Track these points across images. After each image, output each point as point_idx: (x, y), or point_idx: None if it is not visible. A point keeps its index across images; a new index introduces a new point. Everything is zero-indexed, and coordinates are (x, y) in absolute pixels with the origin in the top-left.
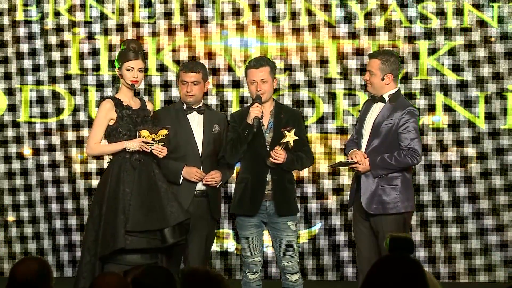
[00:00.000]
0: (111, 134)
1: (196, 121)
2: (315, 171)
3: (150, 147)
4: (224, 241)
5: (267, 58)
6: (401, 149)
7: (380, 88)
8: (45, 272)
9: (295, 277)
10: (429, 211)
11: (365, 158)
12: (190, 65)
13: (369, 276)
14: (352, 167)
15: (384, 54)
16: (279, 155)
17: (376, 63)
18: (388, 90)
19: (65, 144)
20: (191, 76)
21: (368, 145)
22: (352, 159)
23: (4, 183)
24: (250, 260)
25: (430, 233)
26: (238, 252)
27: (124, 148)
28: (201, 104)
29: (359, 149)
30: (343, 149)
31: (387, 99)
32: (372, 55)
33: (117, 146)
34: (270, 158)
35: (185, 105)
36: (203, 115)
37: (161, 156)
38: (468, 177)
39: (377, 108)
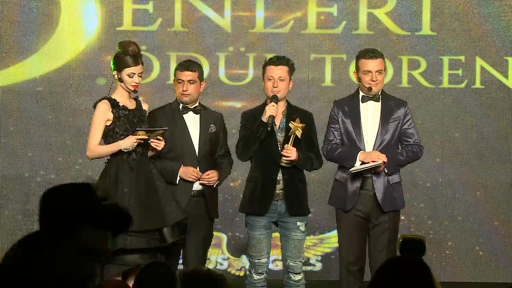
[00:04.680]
0: (108, 135)
1: (192, 121)
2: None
3: (148, 140)
4: (214, 252)
5: (288, 58)
6: (410, 144)
7: (381, 87)
8: None
9: (298, 277)
10: (429, 211)
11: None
12: (186, 64)
13: (377, 276)
14: (375, 169)
15: (381, 53)
16: (290, 151)
17: (383, 62)
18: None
19: (65, 143)
20: (187, 75)
21: (378, 143)
22: (375, 161)
23: (3, 183)
24: (256, 261)
25: (430, 233)
26: (233, 270)
27: (121, 148)
28: (197, 104)
29: (362, 149)
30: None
31: (380, 96)
32: (379, 55)
33: (113, 148)
34: (283, 158)
35: (181, 104)
36: (199, 114)
37: (159, 149)
38: (468, 177)
39: (370, 107)
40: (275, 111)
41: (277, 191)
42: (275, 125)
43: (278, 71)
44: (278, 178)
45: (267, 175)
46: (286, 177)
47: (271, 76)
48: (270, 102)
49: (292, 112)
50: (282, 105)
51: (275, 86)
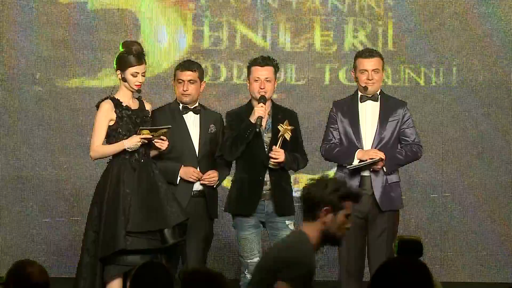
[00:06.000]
0: (110, 135)
1: (192, 121)
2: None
3: (151, 141)
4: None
5: (272, 58)
6: (409, 144)
7: (379, 86)
8: (47, 279)
9: None
10: (429, 211)
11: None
12: (187, 64)
13: (376, 277)
14: (373, 167)
15: (379, 52)
16: (278, 153)
17: (380, 61)
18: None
19: (65, 143)
20: (188, 75)
21: (376, 143)
22: (373, 158)
23: (3, 183)
24: (248, 261)
25: (430, 233)
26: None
27: (125, 148)
28: (196, 104)
29: (360, 148)
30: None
31: (378, 96)
32: (375, 54)
33: (117, 147)
34: (271, 160)
35: (181, 105)
36: (199, 115)
37: (163, 148)
38: (468, 177)
39: (369, 107)
40: (263, 112)
41: (264, 192)
42: (262, 125)
43: (264, 72)
44: (265, 179)
45: (254, 176)
46: (274, 179)
47: (257, 78)
48: (259, 103)
49: (277, 112)
50: (267, 105)
51: (262, 87)
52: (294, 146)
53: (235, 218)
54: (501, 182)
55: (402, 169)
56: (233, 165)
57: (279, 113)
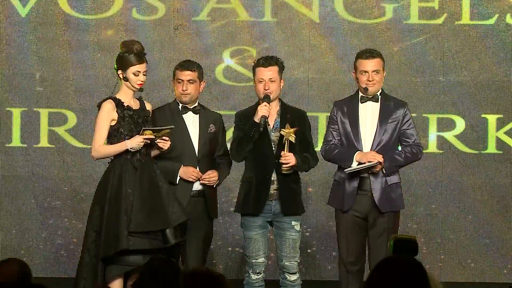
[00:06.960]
0: (112, 135)
1: (191, 121)
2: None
3: (154, 141)
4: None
5: (276, 57)
6: (409, 145)
7: (380, 87)
8: (26, 274)
9: (293, 277)
10: (429, 211)
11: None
12: (186, 64)
13: (372, 276)
14: (372, 169)
15: (379, 53)
16: (288, 158)
17: (381, 62)
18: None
19: (65, 143)
20: (187, 75)
21: (375, 144)
22: (370, 161)
23: (3, 183)
24: (253, 261)
25: (430, 233)
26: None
27: (127, 148)
28: (196, 104)
29: (360, 149)
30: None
31: (379, 97)
32: (376, 55)
33: (119, 147)
34: (283, 166)
35: (180, 105)
36: (198, 115)
37: (165, 148)
38: (468, 177)
39: (369, 107)
40: (267, 111)
41: (271, 191)
42: (269, 125)
43: (268, 73)
44: (272, 178)
45: (261, 175)
46: (280, 177)
47: (262, 78)
48: (262, 102)
49: (286, 112)
50: (275, 105)
51: (266, 88)
52: (304, 146)
53: (243, 217)
54: (501, 182)
55: (402, 169)
56: (243, 165)
57: (288, 113)
